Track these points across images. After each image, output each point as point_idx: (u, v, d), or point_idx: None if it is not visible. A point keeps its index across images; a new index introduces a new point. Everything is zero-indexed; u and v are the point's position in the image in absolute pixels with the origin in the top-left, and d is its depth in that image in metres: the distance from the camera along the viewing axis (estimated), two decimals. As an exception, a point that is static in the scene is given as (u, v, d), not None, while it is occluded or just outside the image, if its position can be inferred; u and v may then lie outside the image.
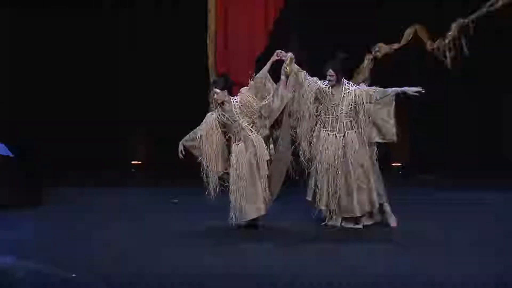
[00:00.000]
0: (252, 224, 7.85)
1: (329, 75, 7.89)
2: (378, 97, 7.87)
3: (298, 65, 7.92)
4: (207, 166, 7.84)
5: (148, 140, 11.26)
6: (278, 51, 7.99)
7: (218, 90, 7.83)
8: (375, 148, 7.99)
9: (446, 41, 9.94)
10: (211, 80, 8.28)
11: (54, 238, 7.68)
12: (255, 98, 7.91)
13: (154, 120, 11.17)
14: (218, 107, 7.90)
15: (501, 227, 7.98)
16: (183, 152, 7.94)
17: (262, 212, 7.80)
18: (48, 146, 10.87)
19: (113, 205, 9.42)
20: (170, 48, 10.87)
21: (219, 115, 7.88)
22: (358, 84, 8.16)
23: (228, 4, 10.41)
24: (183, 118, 10.37)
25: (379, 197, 7.94)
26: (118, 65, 11.10)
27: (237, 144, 7.84)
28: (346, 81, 7.97)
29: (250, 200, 7.74)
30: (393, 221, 8.00)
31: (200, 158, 7.90)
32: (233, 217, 7.76)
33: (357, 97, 7.90)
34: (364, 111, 7.86)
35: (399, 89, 7.84)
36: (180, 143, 7.96)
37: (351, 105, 7.91)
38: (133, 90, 11.09)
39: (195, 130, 7.93)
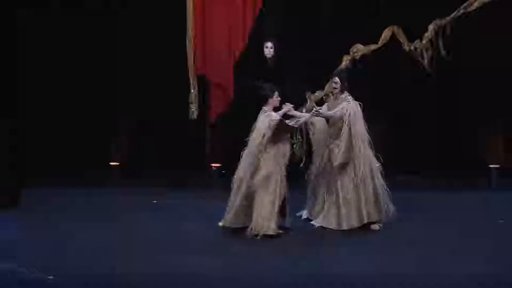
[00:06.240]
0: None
1: (334, 83, 8.08)
2: None
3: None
4: None
5: (129, 140, 11.18)
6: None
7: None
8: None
9: (424, 42, 10.01)
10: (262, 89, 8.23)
11: (32, 239, 7.67)
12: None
13: (135, 120, 11.09)
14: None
15: (484, 226, 8.11)
16: None
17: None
18: (29, 146, 10.77)
19: (94, 205, 9.38)
20: (151, 50, 10.79)
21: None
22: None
23: (207, 3, 10.39)
24: (165, 118, 10.44)
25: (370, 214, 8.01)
26: (111, 66, 11.00)
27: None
28: (349, 95, 8.07)
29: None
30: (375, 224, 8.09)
31: None
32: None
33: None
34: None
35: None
36: None
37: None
38: (115, 91, 11.01)
39: None
